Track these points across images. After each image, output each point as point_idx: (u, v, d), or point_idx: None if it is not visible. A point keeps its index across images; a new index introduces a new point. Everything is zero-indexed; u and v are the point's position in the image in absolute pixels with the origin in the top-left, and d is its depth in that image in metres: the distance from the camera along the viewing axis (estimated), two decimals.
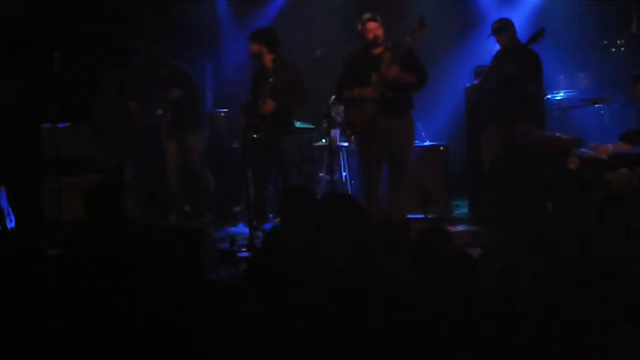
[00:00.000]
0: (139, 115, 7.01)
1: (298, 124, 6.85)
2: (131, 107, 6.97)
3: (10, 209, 6.10)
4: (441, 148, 7.21)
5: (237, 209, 7.40)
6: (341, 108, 6.45)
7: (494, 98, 6.30)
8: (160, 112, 6.95)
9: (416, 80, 5.82)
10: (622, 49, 7.70)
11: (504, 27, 6.31)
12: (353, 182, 7.29)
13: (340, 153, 7.28)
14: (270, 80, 6.34)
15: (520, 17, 7.67)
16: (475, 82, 6.87)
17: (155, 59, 7.04)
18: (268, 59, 6.44)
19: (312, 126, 7.31)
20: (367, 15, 5.88)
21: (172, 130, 6.96)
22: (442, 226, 3.45)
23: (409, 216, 6.27)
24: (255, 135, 6.32)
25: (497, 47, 6.43)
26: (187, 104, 6.90)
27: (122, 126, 7.00)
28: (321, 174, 7.34)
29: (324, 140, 7.23)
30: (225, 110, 7.88)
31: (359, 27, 5.91)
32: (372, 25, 5.84)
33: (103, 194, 3.89)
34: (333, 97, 6.48)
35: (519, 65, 6.11)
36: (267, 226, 6.57)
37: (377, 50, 5.88)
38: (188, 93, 6.90)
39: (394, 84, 5.74)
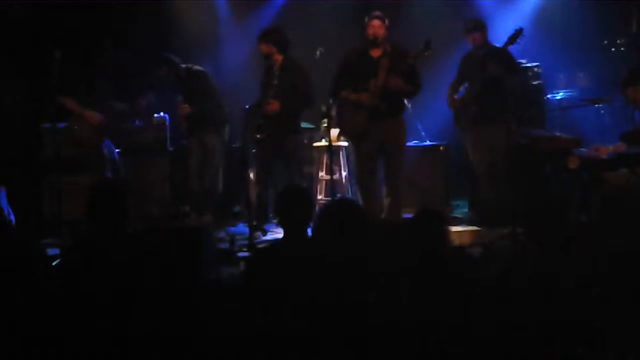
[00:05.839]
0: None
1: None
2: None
3: (10, 209, 6.09)
4: (441, 148, 7.21)
5: (237, 209, 7.38)
6: None
7: (478, 101, 6.28)
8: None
9: (413, 90, 5.95)
10: (622, 49, 7.69)
11: (480, 26, 6.31)
12: (353, 181, 7.28)
13: (340, 153, 7.28)
14: (275, 82, 6.35)
15: (520, 17, 7.66)
16: None
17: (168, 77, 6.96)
18: (278, 59, 6.44)
19: (312, 126, 7.30)
20: (375, 13, 5.94)
21: (192, 129, 6.94)
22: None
23: (409, 216, 6.26)
24: (258, 136, 6.32)
25: (497, 45, 6.41)
26: (205, 104, 6.84)
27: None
28: (321, 174, 7.33)
29: (324, 140, 7.22)
30: None
31: (365, 20, 5.96)
32: (375, 22, 5.88)
33: (105, 193, 3.88)
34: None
35: (501, 65, 6.09)
36: (267, 226, 6.57)
37: (376, 54, 5.90)
38: (205, 94, 6.85)
39: (392, 93, 5.80)
